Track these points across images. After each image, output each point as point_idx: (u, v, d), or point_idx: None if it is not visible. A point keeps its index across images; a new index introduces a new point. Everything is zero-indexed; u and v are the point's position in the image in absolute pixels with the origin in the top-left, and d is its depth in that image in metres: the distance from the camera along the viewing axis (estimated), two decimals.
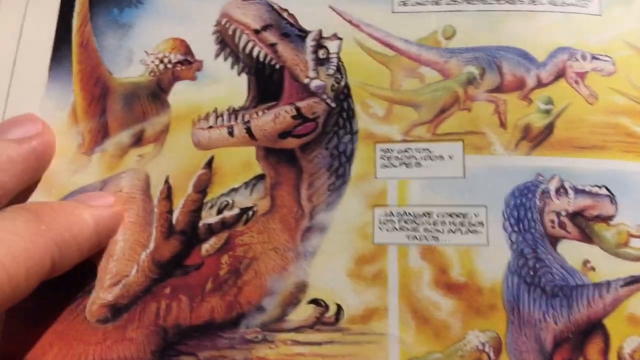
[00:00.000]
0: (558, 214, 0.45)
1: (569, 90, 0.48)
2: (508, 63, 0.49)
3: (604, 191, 0.45)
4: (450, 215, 0.45)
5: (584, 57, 0.49)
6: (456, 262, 0.45)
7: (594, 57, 0.49)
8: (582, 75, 0.48)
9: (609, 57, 0.49)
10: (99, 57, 0.51)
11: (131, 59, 0.51)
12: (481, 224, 0.45)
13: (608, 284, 0.43)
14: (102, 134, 0.49)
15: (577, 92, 0.48)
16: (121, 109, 0.50)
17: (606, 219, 0.45)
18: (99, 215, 0.43)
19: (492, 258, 0.44)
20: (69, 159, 0.49)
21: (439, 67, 0.50)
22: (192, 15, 0.52)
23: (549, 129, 0.47)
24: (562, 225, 0.45)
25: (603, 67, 0.48)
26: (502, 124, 0.47)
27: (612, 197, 0.45)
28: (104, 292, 0.45)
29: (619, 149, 0.46)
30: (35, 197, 0.47)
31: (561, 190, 0.45)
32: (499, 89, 0.49)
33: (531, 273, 0.44)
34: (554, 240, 0.45)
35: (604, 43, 0.49)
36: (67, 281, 0.44)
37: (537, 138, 0.47)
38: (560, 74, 0.48)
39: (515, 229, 0.45)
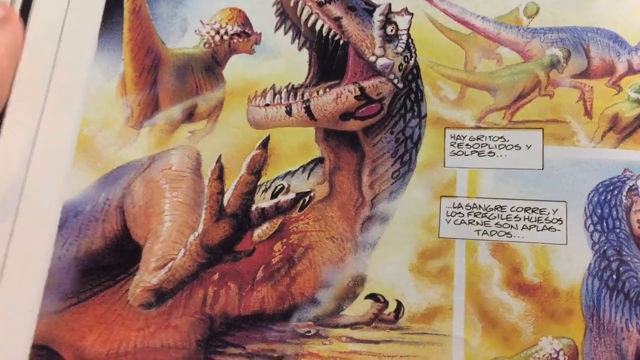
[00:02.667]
0: None
1: None
2: (596, 46, 0.47)
3: None
4: (526, 210, 0.44)
5: None
6: (530, 261, 0.43)
7: None
8: None
9: None
10: (151, 26, 0.51)
11: (185, 28, 0.51)
12: (560, 221, 0.44)
13: None
14: (152, 107, 0.49)
15: None
16: (173, 82, 0.50)
17: None
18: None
19: (570, 258, 0.43)
20: (116, 132, 0.48)
21: (519, 49, 0.48)
22: None
23: (639, 120, 0.45)
24: None
25: None
26: (588, 113, 0.46)
27: None
28: (148, 275, 0.45)
29: None
30: (80, 171, 0.47)
31: None
32: (585, 74, 0.47)
33: (614, 277, 0.42)
34: None
35: None
36: (109, 261, 0.44)
37: (626, 129, 0.45)
38: None
39: (598, 227, 0.43)
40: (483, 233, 0.44)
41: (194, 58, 0.50)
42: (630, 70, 0.47)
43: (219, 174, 0.47)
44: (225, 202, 0.47)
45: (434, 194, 0.46)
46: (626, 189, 0.44)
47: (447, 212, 0.45)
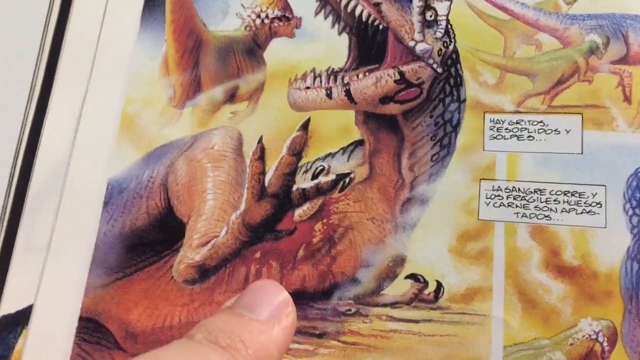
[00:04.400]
0: None
1: None
2: (635, 33, 0.48)
3: None
4: (565, 194, 0.45)
5: None
6: (569, 244, 0.44)
7: None
8: None
9: None
10: (193, 8, 0.52)
11: (227, 11, 0.52)
12: (599, 204, 0.44)
13: None
14: (194, 87, 0.50)
15: None
16: (215, 63, 0.50)
17: None
18: (284, 341, 0.36)
19: (609, 241, 0.44)
20: (159, 111, 0.49)
21: (559, 35, 0.49)
22: None
23: None
24: None
25: None
26: (627, 99, 0.46)
27: None
28: (191, 251, 0.46)
29: None
30: (124, 149, 0.48)
31: None
32: (624, 60, 0.48)
33: None
34: None
35: None
36: (153, 237, 0.45)
37: None
38: None
39: (637, 211, 0.44)
40: (522, 216, 0.45)
41: (235, 41, 0.51)
42: None
43: (261, 155, 0.48)
44: (266, 182, 0.47)
45: (473, 177, 0.46)
46: None
47: (487, 194, 0.45)
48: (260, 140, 0.48)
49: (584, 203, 0.44)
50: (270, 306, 0.40)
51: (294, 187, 0.47)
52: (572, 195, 0.45)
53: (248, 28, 0.51)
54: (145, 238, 0.46)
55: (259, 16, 0.52)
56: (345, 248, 0.46)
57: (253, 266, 0.45)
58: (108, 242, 0.46)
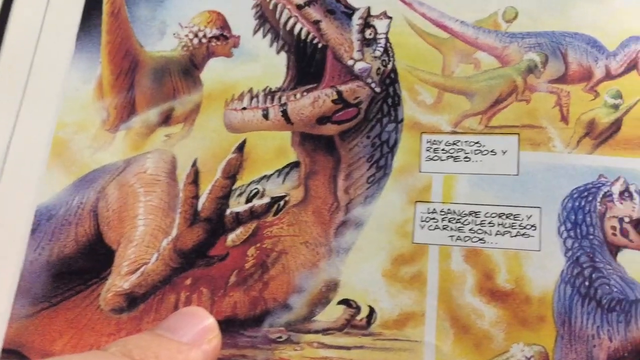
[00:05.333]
0: (621, 220, 0.44)
1: None
2: (574, 51, 0.48)
3: None
4: (500, 216, 0.45)
5: None
6: (503, 268, 0.44)
7: None
8: None
9: None
10: (130, 28, 0.52)
11: (164, 31, 0.52)
12: (533, 227, 0.44)
13: None
14: (128, 110, 0.50)
15: None
16: (150, 85, 0.50)
17: None
18: None
19: (543, 265, 0.43)
20: (92, 135, 0.49)
21: (497, 53, 0.49)
22: None
23: (615, 125, 0.46)
24: (624, 233, 0.44)
25: None
26: (564, 118, 0.46)
27: None
28: (120, 279, 0.46)
29: None
30: (54, 175, 0.48)
31: (625, 194, 0.44)
32: (562, 79, 0.47)
33: (586, 283, 0.43)
34: (614, 249, 0.44)
35: None
36: (81, 265, 0.45)
37: (601, 135, 0.46)
38: (631, 66, 0.47)
39: (572, 234, 0.44)
40: (457, 239, 0.45)
41: (172, 61, 0.51)
42: (608, 76, 0.47)
43: (194, 178, 0.48)
44: (199, 206, 0.47)
45: (409, 199, 0.46)
46: (600, 196, 0.44)
47: (422, 217, 0.45)
48: (194, 164, 0.48)
49: (519, 225, 0.44)
50: (193, 330, 0.39)
51: (228, 211, 0.47)
52: (507, 217, 0.45)
53: (185, 48, 0.51)
54: (72, 266, 0.46)
55: (196, 35, 0.51)
56: (277, 273, 0.45)
57: (183, 293, 0.45)
58: (34, 271, 0.46)
